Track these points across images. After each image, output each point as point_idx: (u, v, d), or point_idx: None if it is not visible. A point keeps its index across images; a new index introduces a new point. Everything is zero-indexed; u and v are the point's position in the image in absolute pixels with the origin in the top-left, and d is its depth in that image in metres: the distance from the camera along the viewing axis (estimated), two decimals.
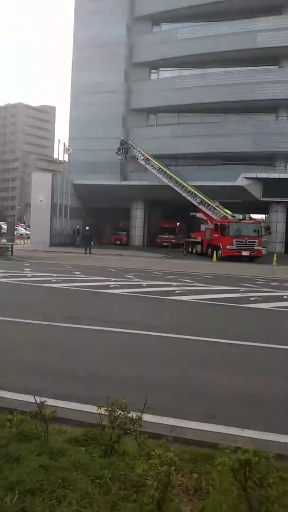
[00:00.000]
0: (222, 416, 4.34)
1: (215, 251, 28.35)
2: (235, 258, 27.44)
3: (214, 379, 5.54)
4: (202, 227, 35.07)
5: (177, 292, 12.97)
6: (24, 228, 57.27)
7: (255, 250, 27.93)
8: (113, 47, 39.33)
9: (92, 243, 31.51)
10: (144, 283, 14.76)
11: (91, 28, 39.94)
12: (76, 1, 41.84)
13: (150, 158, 36.45)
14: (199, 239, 33.53)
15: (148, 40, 40.48)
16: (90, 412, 4.00)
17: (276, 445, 3.72)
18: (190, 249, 34.56)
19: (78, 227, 37.33)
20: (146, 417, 3.74)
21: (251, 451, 2.67)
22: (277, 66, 37.29)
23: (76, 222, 39.54)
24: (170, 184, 34.31)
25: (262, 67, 37.31)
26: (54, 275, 16.01)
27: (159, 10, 39.29)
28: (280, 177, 34.50)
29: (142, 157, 37.00)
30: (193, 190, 33.14)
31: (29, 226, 46.01)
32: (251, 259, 27.98)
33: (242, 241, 27.63)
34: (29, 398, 3.94)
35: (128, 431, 3.26)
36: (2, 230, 37.02)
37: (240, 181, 34.45)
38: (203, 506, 2.78)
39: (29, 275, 16.25)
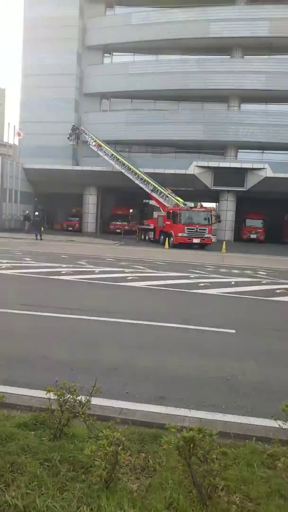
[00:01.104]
0: (171, 397, 4.48)
1: (167, 238, 28.68)
2: (186, 245, 27.92)
3: (164, 362, 5.68)
4: (155, 214, 35.33)
5: (129, 278, 13.06)
6: None
7: (206, 237, 28.49)
8: (65, 29, 38.34)
9: (43, 228, 30.93)
10: (97, 270, 14.74)
11: (41, 8, 38.63)
12: None
13: (102, 144, 36.10)
14: (151, 226, 33.75)
15: (102, 23, 39.74)
16: (39, 397, 4.01)
17: (220, 423, 3.90)
18: (143, 236, 34.74)
19: (27, 212, 36.18)
20: (97, 401, 3.81)
21: (196, 429, 2.80)
22: (229, 56, 37.81)
23: (27, 207, 38.66)
24: (123, 170, 34.20)
25: (215, 56, 37.66)
26: (4, 261, 15.63)
27: None
28: (231, 166, 35.26)
29: (94, 143, 36.57)
30: (145, 177, 33.22)
31: None
32: (201, 246, 28.54)
33: (193, 229, 28.09)
34: None
35: (77, 414, 3.31)
36: None
37: (192, 169, 34.90)
38: (150, 483, 2.88)
39: None
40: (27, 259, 17.17)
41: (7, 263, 15.15)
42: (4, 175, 35.45)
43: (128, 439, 3.37)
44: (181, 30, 36.11)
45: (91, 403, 3.42)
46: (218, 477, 2.66)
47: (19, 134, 38.88)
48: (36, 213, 33.61)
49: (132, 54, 39.89)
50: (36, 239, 28.92)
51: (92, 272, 14.08)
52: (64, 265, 15.43)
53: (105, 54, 40.78)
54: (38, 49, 38.82)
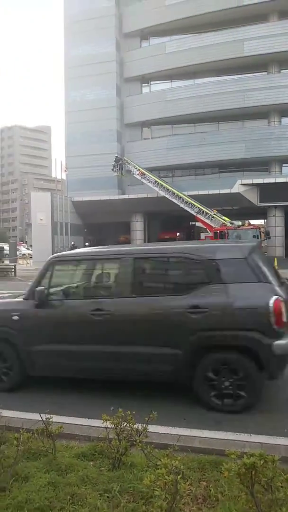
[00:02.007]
0: (230, 422, 4.34)
1: None
2: None
3: None
4: (202, 235, 35.12)
5: None
6: (26, 248, 57.44)
7: None
8: (103, 64, 39.99)
9: None
10: None
11: (81, 47, 40.67)
12: (65, 20, 42.54)
13: (146, 172, 36.68)
14: None
15: (138, 55, 41.07)
16: (96, 426, 4.01)
17: (283, 448, 3.72)
18: None
19: (73, 243, 36.74)
20: (154, 428, 3.76)
21: (257, 455, 2.68)
22: (265, 73, 37.70)
23: (77, 239, 39.70)
24: (167, 196, 34.46)
25: (251, 74, 37.69)
26: None
27: (147, 25, 39.99)
28: (276, 181, 34.63)
29: (137, 172, 37.25)
30: (190, 200, 33.24)
31: (31, 246, 46.24)
32: None
33: None
34: (36, 416, 3.95)
35: (135, 443, 3.28)
36: (5, 251, 37.16)
37: (237, 188, 34.60)
38: None
39: None
40: None
41: None
42: (54, 209, 36.75)
43: (188, 467, 3.29)
44: (215, 53, 36.59)
45: (148, 430, 3.39)
46: (284, 507, 2.53)
47: (65, 170, 40.44)
48: (86, 243, 34.47)
49: (169, 81, 40.75)
50: None
51: None
52: None
53: (143, 84, 41.95)
54: (79, 85, 40.68)
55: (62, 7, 43.10)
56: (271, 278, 4.72)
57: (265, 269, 4.76)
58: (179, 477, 2.66)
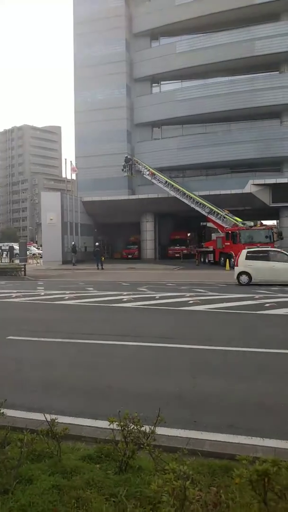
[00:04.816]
0: (242, 425, 4.21)
1: (227, 260, 28.12)
2: None
3: (232, 387, 5.40)
4: (213, 236, 34.84)
5: (191, 302, 12.83)
6: (37, 248, 57.64)
7: None
8: (113, 64, 39.96)
9: (103, 258, 31.48)
10: (157, 295, 14.64)
11: (90, 47, 40.70)
12: (75, 21, 42.58)
13: (156, 172, 36.58)
14: (211, 248, 33.33)
15: (148, 55, 40.97)
16: (103, 428, 3.90)
17: None
18: (202, 259, 34.36)
19: (73, 243, 35.85)
20: (162, 431, 3.65)
21: (270, 461, 2.55)
22: (277, 72, 37.38)
23: (87, 239, 39.68)
24: (178, 196, 34.31)
25: (263, 73, 37.41)
26: (67, 292, 15.98)
27: (157, 25, 39.89)
28: None
29: (147, 172, 37.18)
30: (201, 200, 33.05)
31: (41, 246, 46.34)
32: None
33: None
34: (41, 417, 3.85)
35: (142, 446, 3.16)
36: (15, 251, 37.26)
37: (249, 188, 34.25)
38: None
39: (42, 293, 16.25)
40: (89, 288, 17.45)
41: (70, 293, 15.46)
42: (64, 209, 36.75)
43: (197, 472, 3.17)
44: (226, 52, 36.38)
45: (156, 433, 3.26)
46: None
47: (74, 170, 40.45)
48: (96, 243, 34.42)
49: (180, 81, 40.58)
50: (98, 268, 29.47)
51: (153, 298, 14.00)
52: (125, 293, 15.49)
53: (153, 84, 41.84)
54: (89, 86, 40.73)
55: (71, 7, 43.17)
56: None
57: None
58: (187, 482, 2.54)
